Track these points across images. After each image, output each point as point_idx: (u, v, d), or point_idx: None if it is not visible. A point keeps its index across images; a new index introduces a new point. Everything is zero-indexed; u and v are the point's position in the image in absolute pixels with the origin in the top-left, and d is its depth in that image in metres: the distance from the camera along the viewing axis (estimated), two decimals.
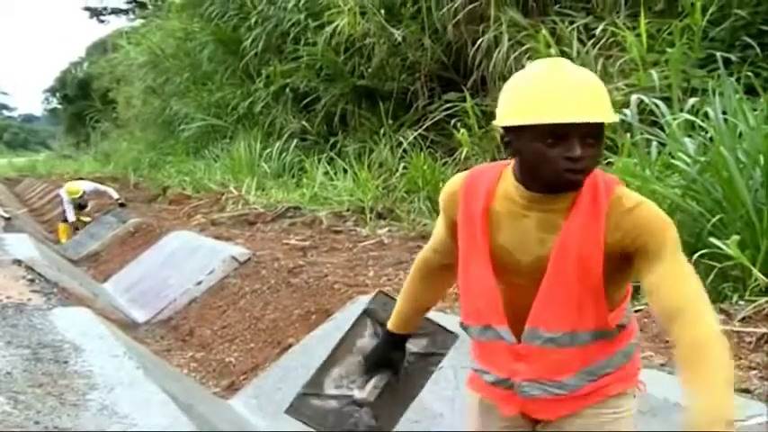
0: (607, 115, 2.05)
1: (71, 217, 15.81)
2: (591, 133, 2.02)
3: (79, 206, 16.05)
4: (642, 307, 4.66)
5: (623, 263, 2.12)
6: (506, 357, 2.19)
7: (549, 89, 2.03)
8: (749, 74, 6.53)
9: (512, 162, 2.18)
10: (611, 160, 6.34)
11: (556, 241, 2.10)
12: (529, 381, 2.17)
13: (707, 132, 5.61)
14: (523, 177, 2.12)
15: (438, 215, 2.48)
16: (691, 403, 1.91)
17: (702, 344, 1.96)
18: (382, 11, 12.12)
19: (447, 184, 2.35)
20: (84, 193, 15.85)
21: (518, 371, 2.18)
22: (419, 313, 2.59)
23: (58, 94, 54.19)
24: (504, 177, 2.19)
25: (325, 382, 2.53)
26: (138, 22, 35.19)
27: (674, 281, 2.05)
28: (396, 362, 2.60)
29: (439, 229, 2.45)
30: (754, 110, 5.49)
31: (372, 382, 2.52)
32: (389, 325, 2.57)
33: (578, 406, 2.19)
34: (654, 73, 7.39)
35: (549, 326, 2.12)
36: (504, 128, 2.10)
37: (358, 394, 2.53)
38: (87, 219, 16.08)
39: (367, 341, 2.60)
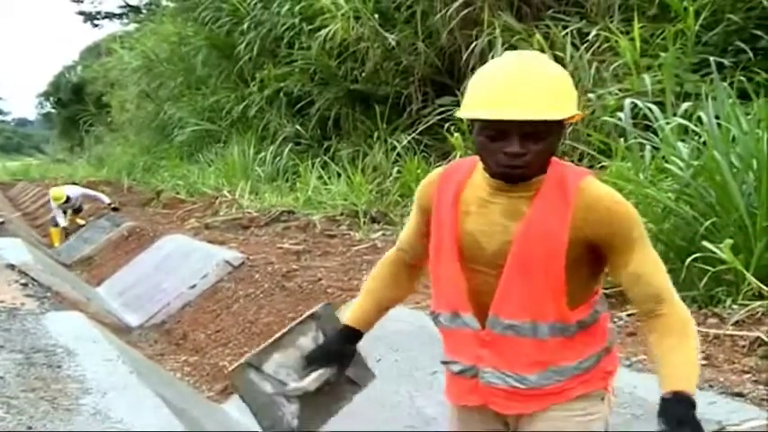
0: (552, 112, 2.03)
1: (62, 222, 15.77)
2: (534, 130, 2.02)
3: (74, 210, 16.02)
4: (635, 311, 4.66)
5: (588, 255, 2.15)
6: (472, 344, 2.23)
7: (494, 84, 2.07)
8: (742, 78, 6.55)
9: None
10: (604, 164, 6.36)
11: (519, 228, 2.13)
12: (491, 368, 2.20)
13: (700, 137, 5.62)
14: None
15: None
16: (674, 369, 2.08)
17: (688, 321, 2.15)
18: (376, 15, 12.12)
19: (426, 177, 2.40)
20: (68, 197, 15.79)
21: (482, 357, 2.21)
22: (380, 312, 2.56)
23: (51, 99, 54.03)
24: (478, 168, 2.24)
25: (267, 362, 2.49)
26: (132, 26, 35.27)
27: (653, 269, 2.15)
28: (345, 357, 2.52)
29: (410, 225, 2.47)
30: (747, 114, 5.50)
31: (314, 374, 2.45)
32: (347, 320, 2.53)
33: (539, 405, 2.21)
34: (647, 77, 7.41)
35: (508, 313, 2.15)
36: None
37: (294, 384, 2.47)
38: (82, 222, 16.06)
39: (309, 342, 2.54)
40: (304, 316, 2.60)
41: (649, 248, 2.17)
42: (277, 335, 2.55)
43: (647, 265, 2.14)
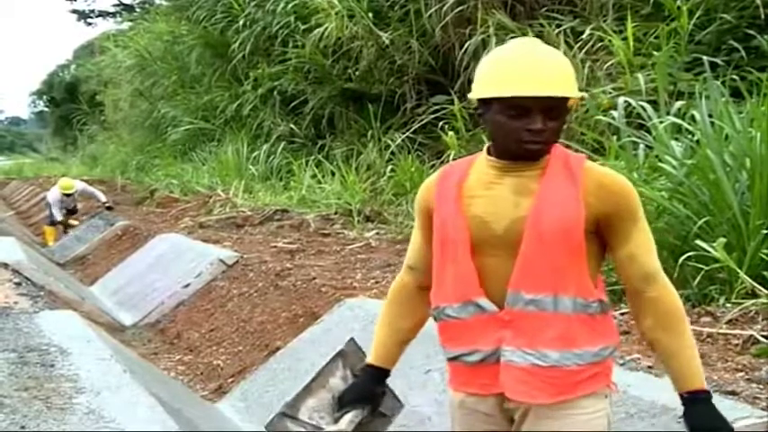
0: (569, 90, 2.18)
1: (59, 216, 15.69)
2: (553, 108, 2.14)
3: (68, 210, 15.95)
4: (629, 309, 4.67)
5: (593, 237, 2.21)
6: (492, 328, 2.20)
7: (515, 64, 2.18)
8: (735, 77, 6.57)
9: (484, 149, 2.31)
10: (598, 162, 6.35)
11: (532, 203, 2.17)
12: (512, 347, 2.18)
13: (693, 135, 5.63)
14: (494, 148, 2.25)
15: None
16: (686, 363, 2.27)
17: (680, 307, 2.26)
18: (370, 14, 12.11)
19: (422, 183, 2.46)
20: (76, 191, 15.81)
21: (503, 338, 2.19)
22: (400, 345, 2.52)
23: (45, 97, 54.01)
24: (478, 160, 2.31)
25: (302, 409, 2.49)
26: (126, 24, 35.11)
27: (647, 248, 2.24)
28: (376, 396, 2.51)
29: (415, 239, 2.46)
30: (740, 113, 5.51)
31: (349, 416, 2.45)
32: (371, 358, 2.51)
33: (549, 394, 2.17)
34: (640, 76, 7.42)
35: (529, 287, 2.16)
36: (478, 100, 2.23)
37: (328, 428, 2.45)
38: (75, 223, 15.99)
39: (339, 382, 2.53)
40: (330, 356, 2.60)
41: (646, 228, 2.25)
42: (307, 380, 2.54)
43: (642, 245, 2.22)
